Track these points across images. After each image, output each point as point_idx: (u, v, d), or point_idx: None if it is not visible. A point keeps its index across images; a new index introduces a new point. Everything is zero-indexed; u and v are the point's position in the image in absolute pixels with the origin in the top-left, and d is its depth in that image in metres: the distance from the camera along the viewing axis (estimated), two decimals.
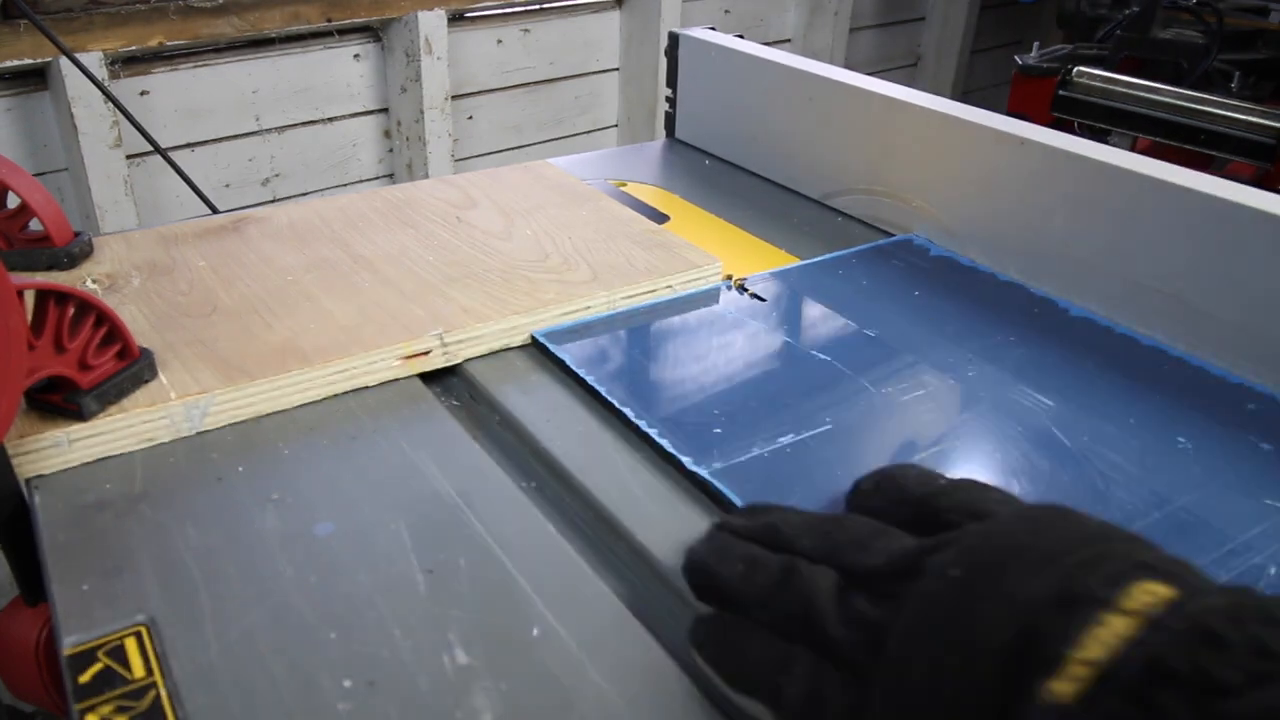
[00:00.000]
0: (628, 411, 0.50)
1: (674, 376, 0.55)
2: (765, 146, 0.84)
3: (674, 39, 0.90)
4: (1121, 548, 0.29)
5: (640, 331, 0.59)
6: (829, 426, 0.50)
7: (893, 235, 0.73)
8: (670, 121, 0.94)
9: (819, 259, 0.69)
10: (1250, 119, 1.62)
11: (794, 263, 0.69)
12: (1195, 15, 1.99)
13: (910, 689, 0.29)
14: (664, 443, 0.48)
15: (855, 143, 0.76)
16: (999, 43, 3.16)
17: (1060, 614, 0.27)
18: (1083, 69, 1.83)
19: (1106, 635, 0.26)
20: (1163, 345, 0.59)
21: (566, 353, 0.55)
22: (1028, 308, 0.63)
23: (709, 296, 0.63)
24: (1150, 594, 0.27)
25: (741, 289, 0.64)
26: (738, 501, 0.44)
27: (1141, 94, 1.74)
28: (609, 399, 0.51)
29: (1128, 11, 2.09)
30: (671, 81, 0.92)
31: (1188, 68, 1.95)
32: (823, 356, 0.56)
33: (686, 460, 0.47)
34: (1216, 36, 1.90)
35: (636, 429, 0.49)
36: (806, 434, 0.49)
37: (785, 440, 0.49)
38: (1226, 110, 1.65)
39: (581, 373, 0.54)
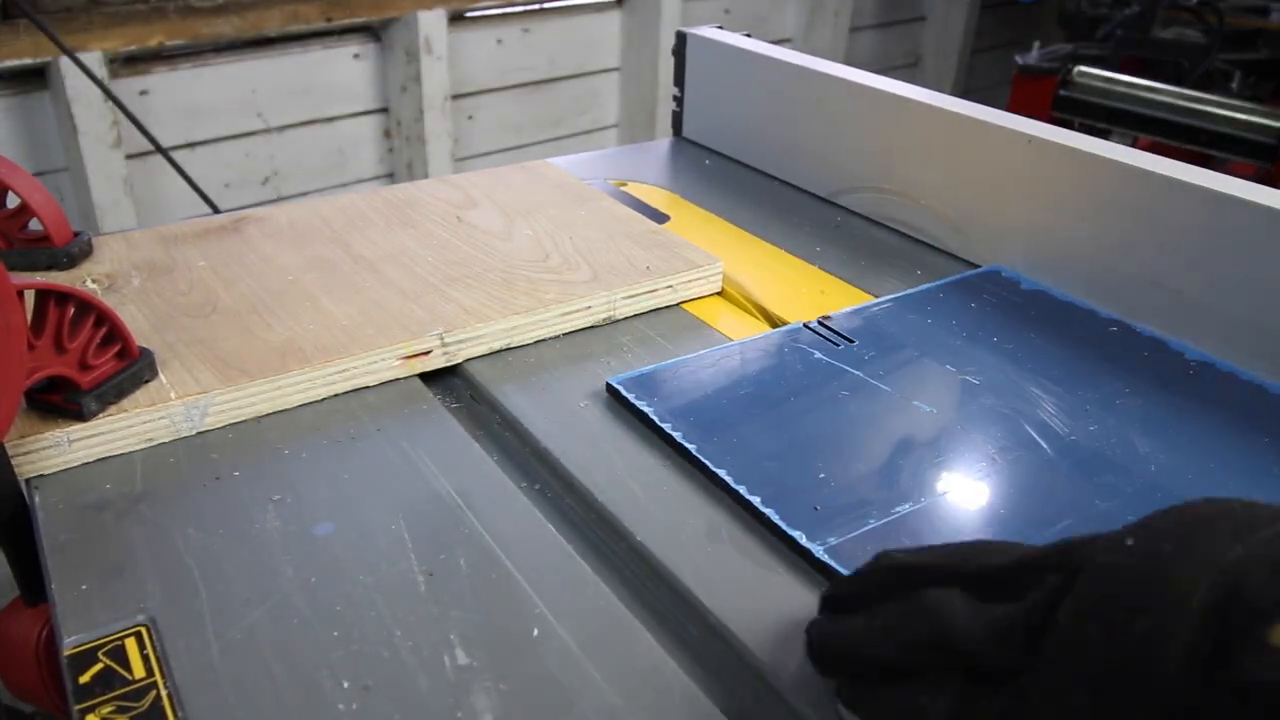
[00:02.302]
0: (723, 474, 0.45)
1: (762, 434, 0.49)
2: (773, 145, 0.84)
3: (681, 38, 0.90)
4: None
5: (719, 380, 0.53)
6: (947, 492, 0.45)
7: (977, 266, 0.68)
8: (677, 120, 0.94)
9: (903, 294, 0.63)
10: (1251, 119, 1.62)
11: (876, 299, 0.63)
12: (1196, 15, 1.99)
13: (1090, 660, 0.27)
14: (769, 512, 0.43)
15: (863, 141, 0.76)
16: (999, 43, 3.15)
17: (1275, 574, 0.26)
18: (1083, 69, 1.83)
19: None
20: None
21: (648, 406, 0.50)
22: (1136, 349, 0.57)
23: (790, 335, 0.58)
24: None
25: (824, 326, 0.58)
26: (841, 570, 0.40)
27: (1142, 94, 1.74)
28: (708, 464, 0.46)
29: (1128, 11, 2.09)
30: (679, 80, 0.92)
31: (1188, 67, 1.95)
32: (926, 409, 0.51)
33: (798, 536, 0.42)
34: (1217, 36, 1.90)
35: (740, 499, 0.44)
36: (924, 501, 0.44)
37: (902, 510, 0.43)
38: (1227, 110, 1.65)
39: (667, 428, 0.49)
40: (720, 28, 0.90)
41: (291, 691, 0.35)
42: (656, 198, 0.80)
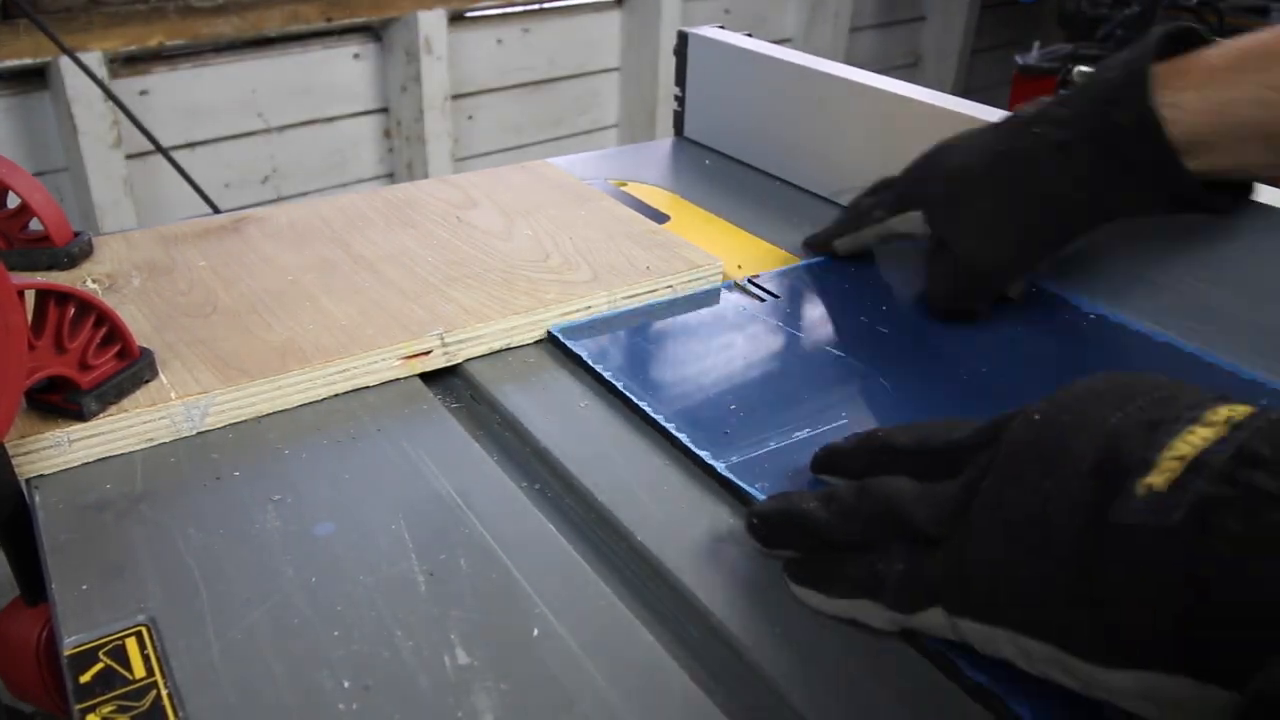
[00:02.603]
0: (644, 405, 0.50)
1: (687, 373, 0.54)
2: (775, 144, 0.84)
3: (683, 38, 0.90)
4: (1194, 388, 0.33)
5: (652, 329, 0.59)
6: (845, 421, 0.50)
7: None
8: (679, 120, 0.94)
9: (825, 261, 0.68)
10: None
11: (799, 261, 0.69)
12: (1196, 15, 1.99)
13: (1006, 522, 0.32)
14: (681, 436, 0.48)
15: (865, 141, 0.76)
16: (999, 43, 3.16)
17: (1147, 432, 0.30)
18: (1083, 69, 1.83)
19: (1194, 439, 0.29)
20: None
21: (582, 348, 0.56)
22: (1039, 303, 0.62)
23: (715, 295, 0.63)
24: (1231, 410, 0.30)
25: (751, 284, 0.64)
26: (757, 495, 0.44)
27: None
28: (626, 393, 0.51)
29: (1128, 11, 2.09)
30: (680, 80, 0.92)
31: None
32: (836, 352, 0.56)
33: (704, 454, 0.47)
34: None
35: (654, 423, 0.49)
36: (823, 428, 0.49)
37: (800, 435, 0.49)
38: None
39: (598, 368, 0.54)
40: (722, 27, 0.90)
41: (292, 691, 0.35)
42: (656, 198, 0.80)
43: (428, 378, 0.55)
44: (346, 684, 0.35)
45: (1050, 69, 2.04)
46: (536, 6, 2.10)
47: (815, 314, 0.62)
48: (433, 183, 0.75)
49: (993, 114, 0.68)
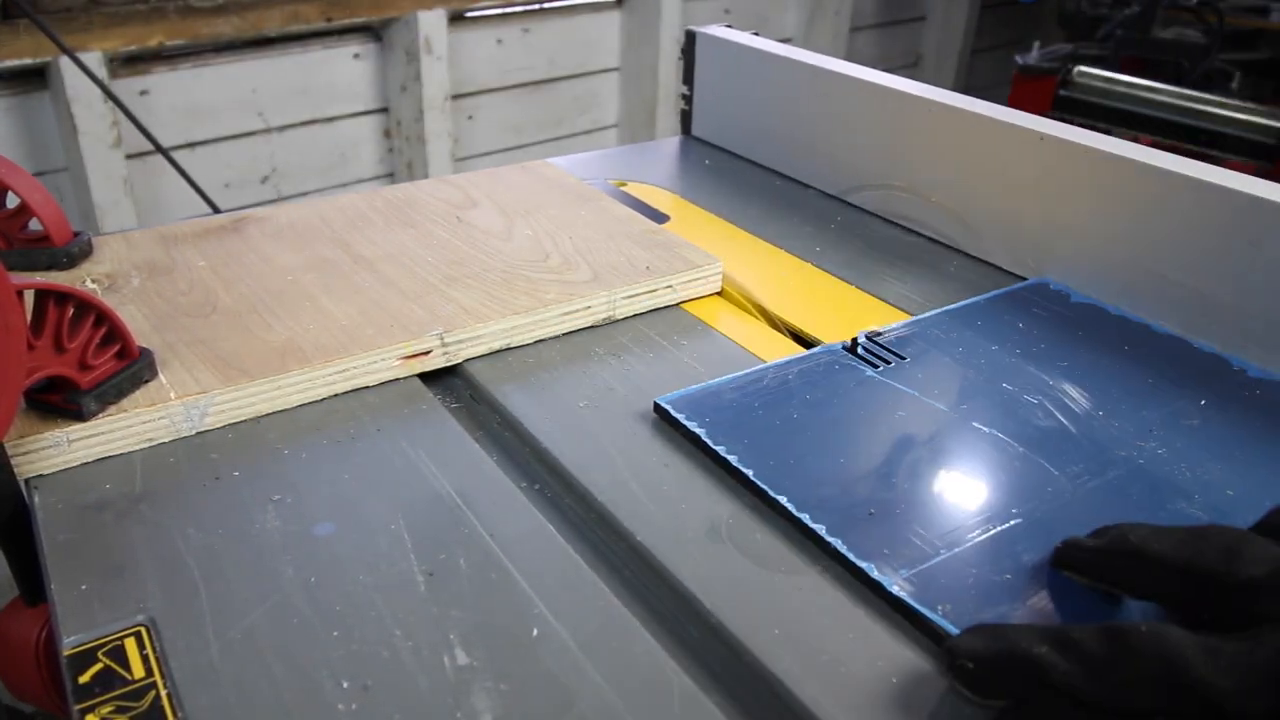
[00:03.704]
0: (786, 502, 0.44)
1: (819, 460, 0.46)
2: (782, 143, 0.84)
3: (690, 37, 0.91)
4: None
5: (768, 401, 0.51)
6: (1019, 520, 0.43)
7: (1024, 279, 0.66)
8: (686, 119, 0.95)
9: (951, 307, 0.61)
10: (1251, 119, 1.62)
11: (926, 313, 0.61)
12: (1196, 15, 1.99)
13: None
14: (835, 542, 0.41)
15: (873, 139, 0.76)
16: (999, 43, 3.16)
17: None
18: (1083, 69, 1.83)
19: None
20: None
21: (699, 426, 0.48)
22: (1197, 364, 0.56)
23: (833, 354, 0.55)
24: None
25: (873, 342, 0.56)
26: (944, 624, 0.37)
27: (1142, 94, 1.74)
28: (764, 488, 0.45)
29: (1128, 11, 2.09)
30: (688, 79, 0.93)
31: (1188, 67, 1.95)
32: (985, 430, 0.49)
33: (868, 568, 0.40)
34: (1217, 36, 1.90)
35: (807, 530, 0.42)
36: (996, 529, 0.42)
37: (974, 539, 0.41)
38: (1227, 110, 1.65)
39: (720, 450, 0.47)
40: (729, 26, 0.91)
41: (291, 691, 0.35)
42: (657, 198, 0.80)
43: (427, 378, 0.55)
44: (346, 684, 0.35)
45: (1050, 69, 2.04)
46: (536, 6, 2.10)
47: (950, 380, 0.53)
48: (433, 183, 0.75)
49: (1000, 111, 0.68)
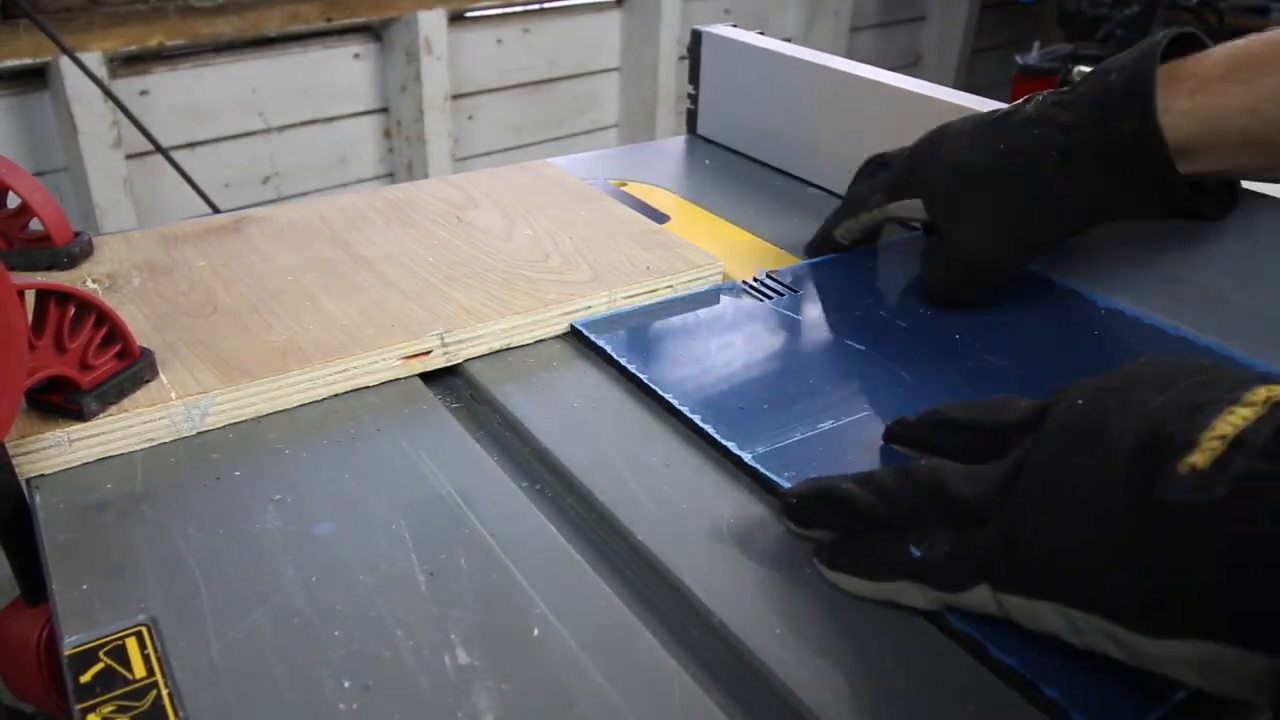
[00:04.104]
0: (669, 398, 0.51)
1: (707, 368, 0.55)
2: (789, 142, 0.84)
3: (696, 36, 0.91)
4: (1233, 371, 0.34)
5: (670, 325, 0.59)
6: (867, 412, 0.50)
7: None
8: (692, 118, 0.95)
9: (843, 254, 0.69)
10: None
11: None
12: (1196, 15, 1.99)
13: (1054, 499, 0.33)
14: (707, 428, 0.48)
15: (879, 137, 0.76)
16: (999, 42, 3.16)
17: (1188, 415, 0.32)
18: (1083, 69, 1.83)
19: (1234, 419, 0.31)
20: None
21: (605, 341, 0.56)
22: (1051, 295, 0.63)
23: (730, 291, 0.63)
24: (1270, 390, 0.31)
25: (769, 278, 0.64)
26: (784, 484, 0.44)
27: None
28: (651, 385, 0.52)
29: (1128, 11, 2.09)
30: (693, 78, 0.93)
31: None
32: (856, 346, 0.57)
33: (730, 445, 0.47)
34: (1217, 36, 1.90)
35: (680, 415, 0.50)
36: (845, 419, 0.50)
37: (825, 426, 0.49)
38: None
39: (622, 360, 0.54)
40: (734, 25, 0.91)
41: (292, 691, 0.35)
42: (657, 198, 0.80)
43: (428, 378, 0.55)
44: (346, 684, 0.35)
45: (1050, 69, 2.04)
46: (536, 6, 2.10)
47: (832, 308, 0.62)
48: (433, 183, 0.75)
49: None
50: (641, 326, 0.59)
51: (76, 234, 0.62)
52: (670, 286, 0.62)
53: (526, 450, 0.50)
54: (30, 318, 0.43)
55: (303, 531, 0.42)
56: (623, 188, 0.82)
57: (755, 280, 0.64)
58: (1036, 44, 2.22)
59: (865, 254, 0.69)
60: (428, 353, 0.54)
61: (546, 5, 2.11)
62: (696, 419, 0.49)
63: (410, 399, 0.52)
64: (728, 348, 0.57)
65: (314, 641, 0.37)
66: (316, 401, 0.52)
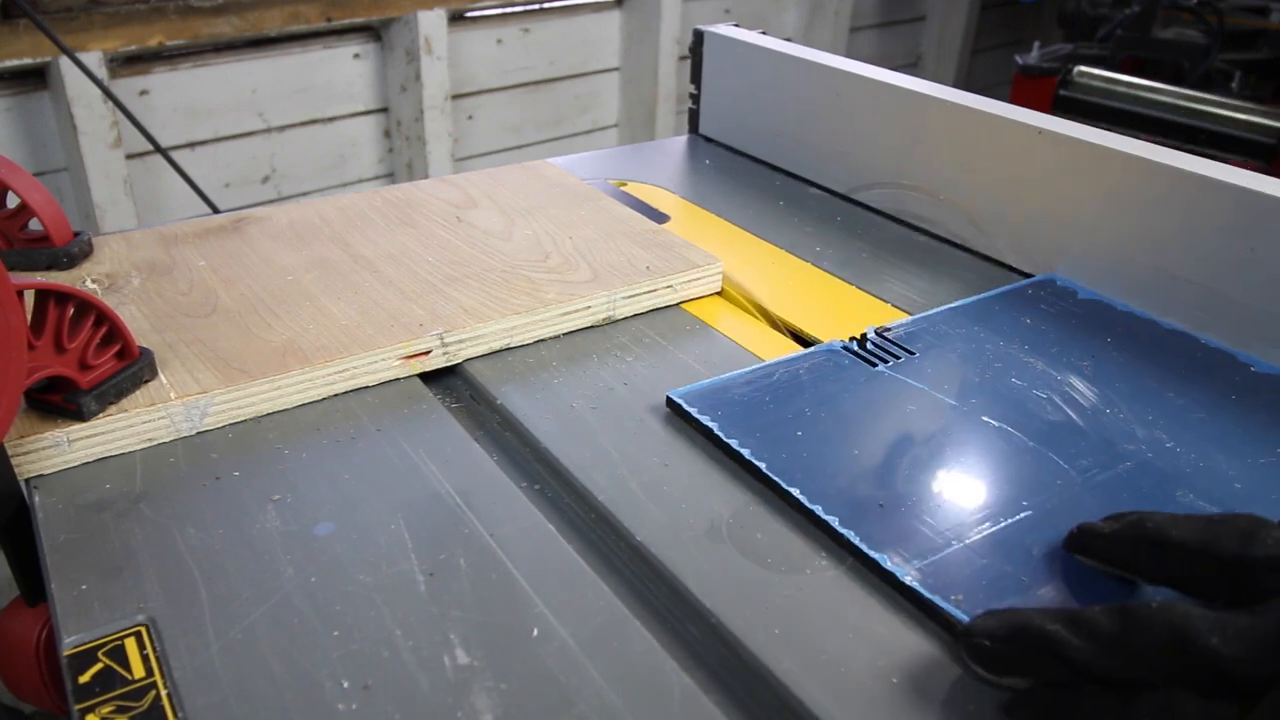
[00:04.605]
0: (799, 495, 0.44)
1: (830, 453, 0.47)
2: (791, 141, 0.84)
3: (699, 36, 0.92)
4: None
5: (781, 397, 0.51)
6: (1029, 512, 0.43)
7: (1030, 276, 0.67)
8: (694, 118, 0.95)
9: (958, 304, 0.62)
10: (1250, 119, 1.62)
11: (936, 308, 0.61)
12: (1196, 15, 1.99)
13: None
14: (848, 533, 0.42)
15: (882, 137, 0.76)
16: (999, 42, 3.16)
17: None
18: (1083, 69, 1.83)
19: None
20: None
21: (711, 420, 0.49)
22: (1204, 358, 0.56)
23: (843, 349, 0.56)
24: None
25: (881, 337, 0.57)
26: (956, 613, 0.38)
27: (1142, 94, 1.74)
28: (778, 481, 0.45)
29: (1128, 11, 2.09)
30: (695, 78, 0.93)
31: (1188, 68, 1.95)
32: (994, 423, 0.49)
33: (881, 560, 0.40)
34: (1217, 36, 1.90)
35: (818, 521, 0.43)
36: (1005, 522, 0.42)
37: (986, 531, 0.42)
38: (1226, 110, 1.65)
39: (733, 443, 0.47)
40: (736, 25, 0.91)
41: (291, 691, 0.35)
42: (657, 198, 0.80)
43: (428, 378, 0.55)
44: (346, 684, 0.35)
45: (1050, 69, 2.04)
46: (536, 6, 2.10)
47: (960, 375, 0.54)
48: (433, 183, 0.75)
49: (1010, 110, 0.68)
50: (747, 400, 0.51)
51: (76, 234, 0.62)
52: (670, 286, 0.62)
53: (526, 450, 0.50)
54: (30, 318, 0.43)
55: (302, 531, 0.42)
56: (623, 188, 0.82)
57: (867, 341, 0.57)
58: (1036, 44, 2.22)
59: (989, 301, 0.62)
60: (427, 353, 0.54)
61: (546, 5, 2.11)
62: (833, 522, 0.42)
63: (410, 399, 0.52)
64: (847, 427, 0.49)
65: (314, 641, 0.37)
66: (316, 401, 0.52)
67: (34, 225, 0.61)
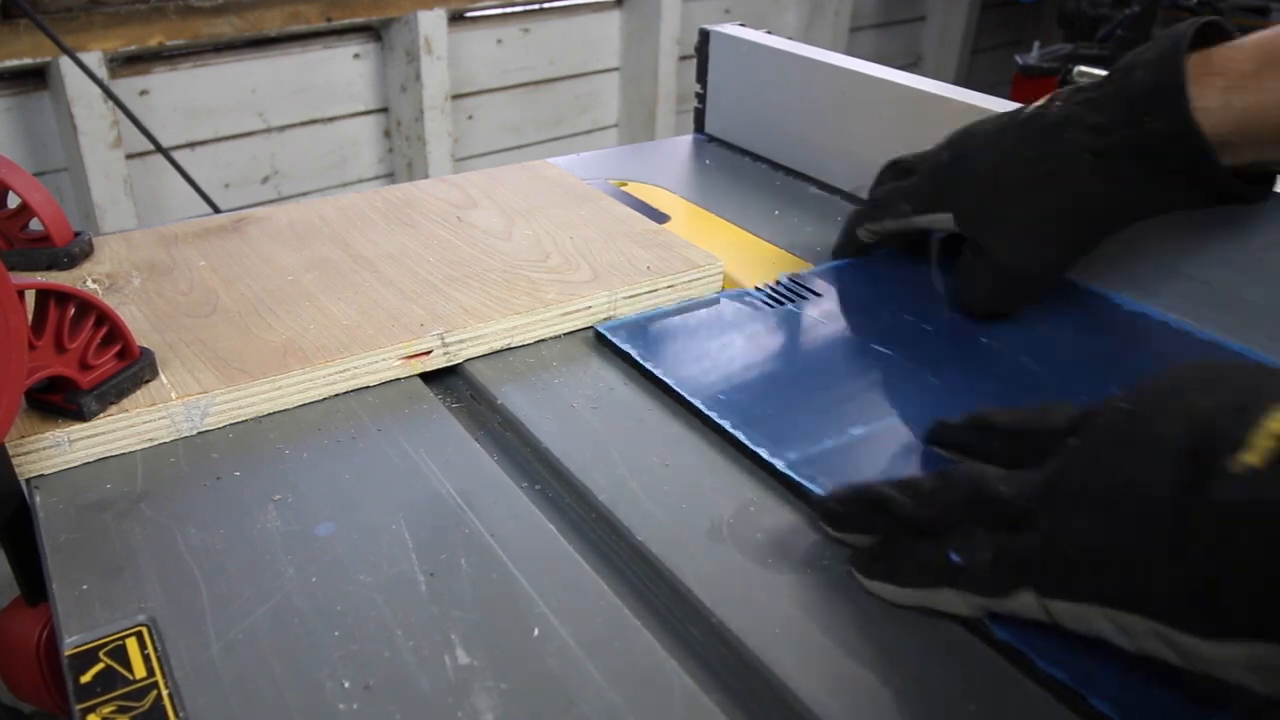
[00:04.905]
0: (698, 403, 0.51)
1: (732, 371, 0.54)
2: (797, 140, 0.85)
3: (704, 35, 0.92)
4: (1277, 371, 0.34)
5: (690, 327, 0.59)
6: (897, 419, 0.50)
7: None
8: (699, 117, 0.95)
9: (865, 258, 0.68)
10: None
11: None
12: (1196, 15, 1.99)
13: (1100, 500, 0.33)
14: (739, 435, 0.48)
15: (888, 136, 0.76)
16: (999, 42, 3.16)
17: (1236, 414, 0.31)
18: (1083, 69, 1.83)
19: None
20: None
21: (631, 348, 0.56)
22: (1074, 298, 0.63)
23: (751, 293, 0.63)
24: None
25: (793, 281, 0.64)
26: (817, 490, 0.44)
27: None
28: (680, 391, 0.52)
29: (1128, 11, 2.09)
30: (701, 77, 0.93)
31: None
32: (883, 350, 0.56)
33: (762, 452, 0.47)
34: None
35: (710, 422, 0.49)
36: (875, 424, 0.49)
37: (856, 433, 0.49)
38: None
39: (648, 365, 0.54)
40: (742, 24, 0.92)
41: (292, 691, 0.35)
42: (657, 198, 0.80)
43: (428, 378, 0.55)
44: (347, 684, 0.35)
45: (1050, 69, 2.04)
46: (536, 6, 2.10)
47: (855, 313, 0.61)
48: (433, 183, 0.75)
49: (1012, 108, 0.68)
50: (664, 331, 0.58)
51: (76, 234, 0.62)
52: (671, 286, 0.62)
53: (526, 450, 0.50)
54: (30, 318, 0.43)
55: (303, 531, 0.42)
56: (623, 188, 0.82)
57: (778, 284, 0.64)
58: (1036, 44, 2.22)
59: (884, 258, 0.68)
60: (428, 353, 0.54)
61: (546, 5, 2.11)
62: (726, 425, 0.49)
63: (410, 399, 0.52)
64: (753, 353, 0.56)
65: (314, 641, 0.37)
66: (316, 401, 0.52)
67: (34, 225, 0.61)
